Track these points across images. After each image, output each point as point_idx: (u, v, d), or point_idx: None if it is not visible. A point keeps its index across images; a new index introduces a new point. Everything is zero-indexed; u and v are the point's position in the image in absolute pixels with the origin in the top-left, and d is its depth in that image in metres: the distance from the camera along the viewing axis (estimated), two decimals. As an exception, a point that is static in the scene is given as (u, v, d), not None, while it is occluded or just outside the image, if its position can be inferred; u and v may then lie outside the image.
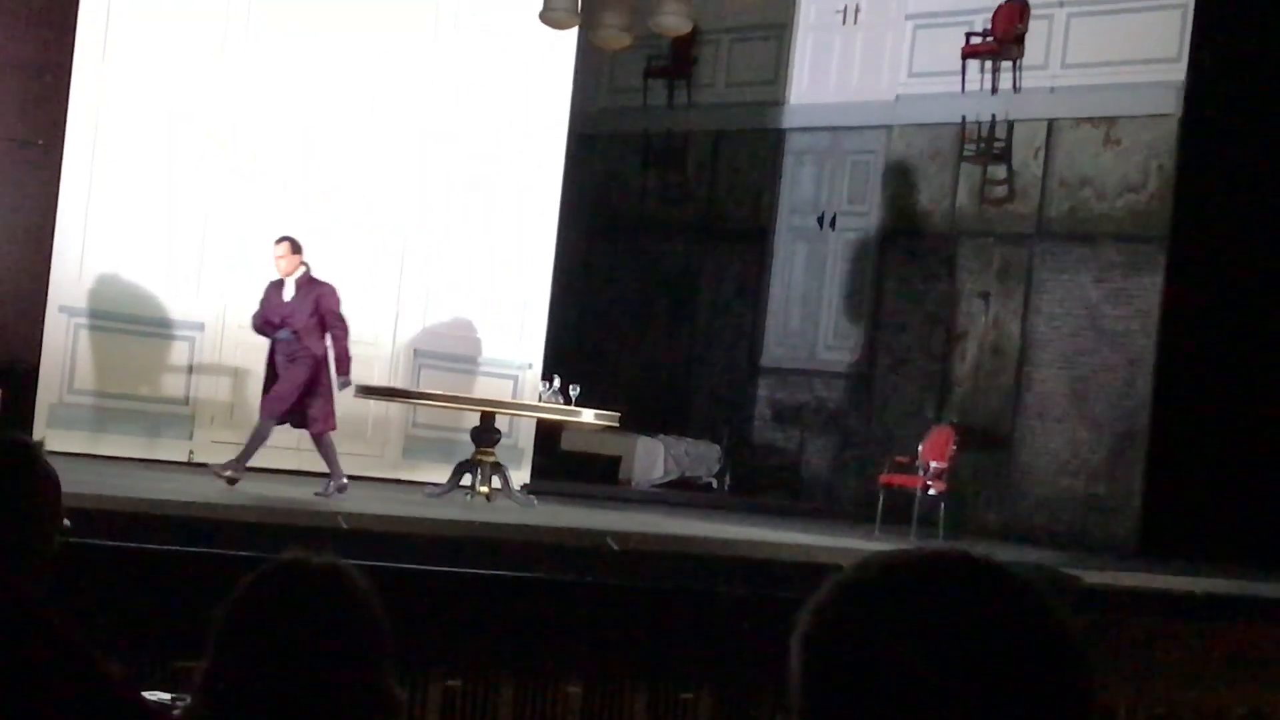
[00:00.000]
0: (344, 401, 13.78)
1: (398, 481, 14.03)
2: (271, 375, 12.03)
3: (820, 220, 18.07)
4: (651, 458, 17.53)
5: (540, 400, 14.04)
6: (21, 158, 13.16)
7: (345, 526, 9.76)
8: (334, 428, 12.24)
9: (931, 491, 14.27)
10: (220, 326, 13.56)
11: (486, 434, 13.01)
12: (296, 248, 11.99)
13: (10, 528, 3.15)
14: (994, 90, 16.56)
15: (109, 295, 13.35)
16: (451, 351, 14.83)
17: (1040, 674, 1.49)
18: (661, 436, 17.72)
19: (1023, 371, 16.26)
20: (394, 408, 14.25)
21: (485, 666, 9.08)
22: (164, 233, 13.48)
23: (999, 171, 16.66)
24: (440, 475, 13.38)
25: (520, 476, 14.41)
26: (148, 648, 7.77)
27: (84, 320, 13.29)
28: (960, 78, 16.69)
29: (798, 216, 18.31)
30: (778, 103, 18.54)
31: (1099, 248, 15.86)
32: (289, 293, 11.93)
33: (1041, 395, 16.12)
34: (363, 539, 9.29)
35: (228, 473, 11.54)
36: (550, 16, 13.69)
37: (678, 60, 18.97)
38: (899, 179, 17.46)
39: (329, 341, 11.93)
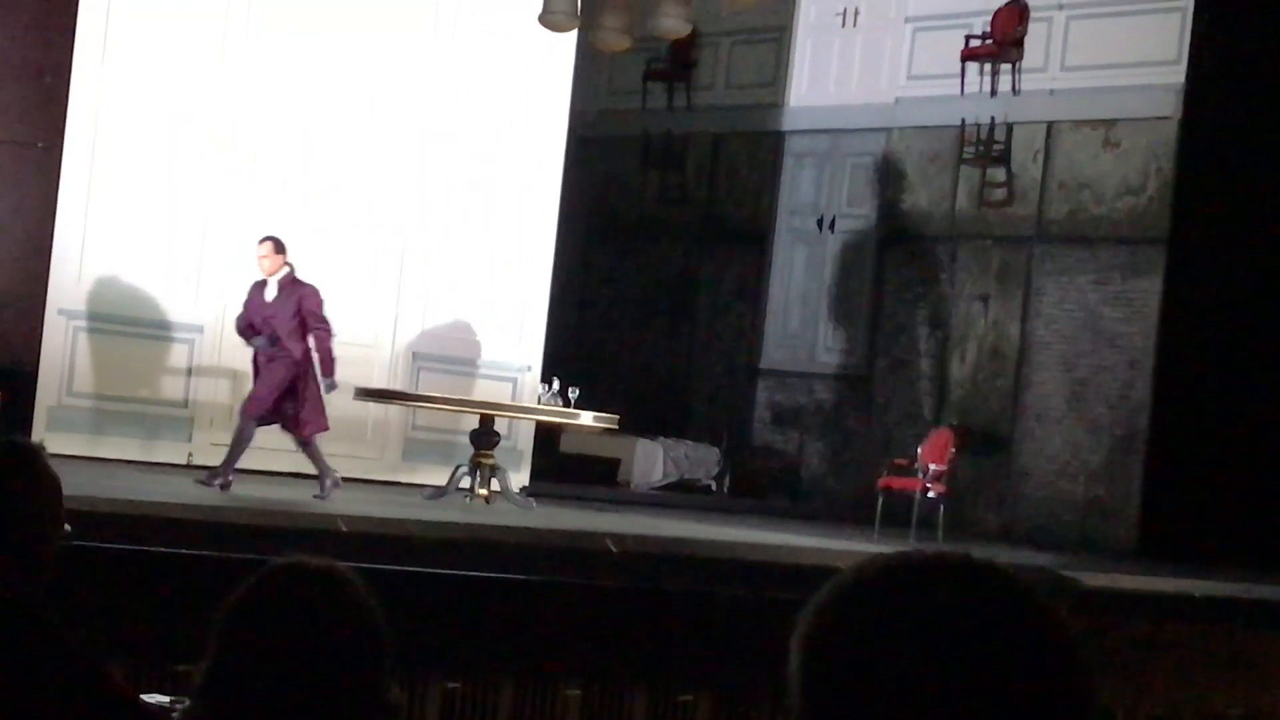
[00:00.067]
0: (343, 404, 13.78)
1: (397, 484, 14.03)
2: (256, 376, 12.02)
3: (820, 222, 18.07)
4: (651, 460, 17.53)
5: (539, 402, 14.03)
6: (21, 160, 13.16)
7: (344, 529, 9.76)
8: (325, 429, 12.20)
9: (931, 494, 14.27)
10: (219, 329, 13.55)
11: (485, 436, 13.01)
12: (280, 247, 11.94)
13: (12, 531, 3.15)
14: (993, 93, 16.56)
15: (108, 298, 13.35)
16: (450, 354, 14.83)
17: (1040, 676, 1.49)
18: (661, 439, 17.72)
19: (1022, 374, 16.26)
20: (393, 410, 14.25)
21: (485, 669, 9.09)
22: (163, 235, 13.48)
23: (998, 174, 16.67)
24: (439, 478, 13.37)
25: (519, 479, 14.41)
26: (147, 650, 7.77)
27: (83, 323, 13.29)
28: (959, 80, 16.69)
29: (797, 219, 18.31)
30: (777, 105, 18.54)
31: (1098, 250, 15.86)
32: (271, 293, 11.88)
33: (1041, 397, 16.12)
34: (362, 541, 9.29)
35: (217, 481, 11.51)
36: (549, 19, 13.69)
37: (677, 63, 18.97)
38: (898, 181, 17.47)
39: (312, 343, 11.85)
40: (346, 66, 14.14)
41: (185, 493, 11.07)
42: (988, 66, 16.59)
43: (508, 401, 14.55)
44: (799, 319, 18.21)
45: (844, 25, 17.98)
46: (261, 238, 12.09)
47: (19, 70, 13.11)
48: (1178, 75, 15.40)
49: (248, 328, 11.96)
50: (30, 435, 11.50)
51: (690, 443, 18.01)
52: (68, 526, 3.28)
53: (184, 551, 8.63)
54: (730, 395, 18.63)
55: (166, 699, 3.77)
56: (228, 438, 12.33)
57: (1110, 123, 15.86)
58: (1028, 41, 16.37)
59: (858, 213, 17.79)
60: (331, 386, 11.98)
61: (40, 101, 13.19)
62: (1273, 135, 15.14)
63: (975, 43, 16.58)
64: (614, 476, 17.41)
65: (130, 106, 13.35)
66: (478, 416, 13.19)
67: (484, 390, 14.66)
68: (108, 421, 13.37)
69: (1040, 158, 16.34)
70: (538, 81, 15.04)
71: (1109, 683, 9.50)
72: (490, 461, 12.95)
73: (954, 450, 14.72)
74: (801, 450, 17.94)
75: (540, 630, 9.24)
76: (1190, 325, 15.19)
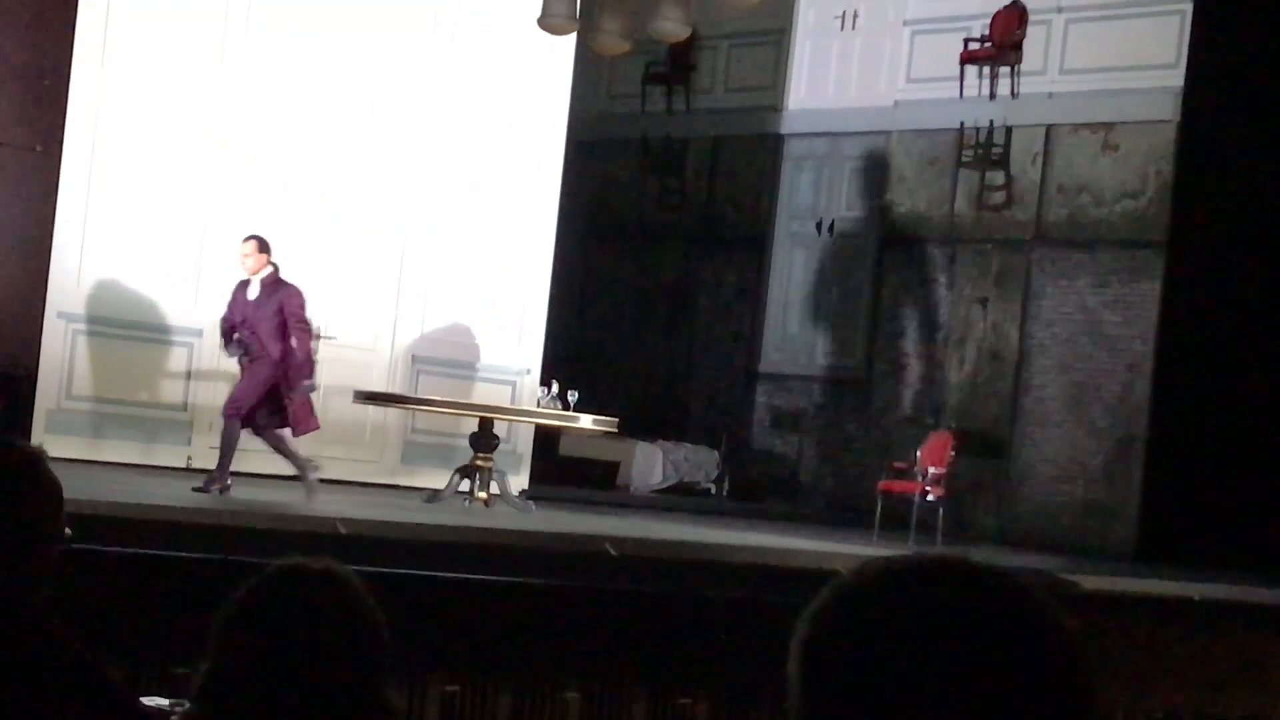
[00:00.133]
0: (342, 407, 13.78)
1: (396, 487, 14.03)
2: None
3: (819, 226, 18.08)
4: (650, 463, 17.53)
5: (538, 406, 14.03)
6: (20, 162, 13.15)
7: (343, 531, 9.76)
8: (316, 428, 12.17)
9: (930, 497, 14.27)
10: (218, 332, 13.53)
11: (485, 439, 13.01)
12: (264, 246, 11.89)
13: (12, 535, 3.15)
14: (992, 96, 16.57)
15: (107, 301, 13.34)
16: (450, 357, 14.83)
17: (1040, 679, 1.49)
18: (660, 442, 17.72)
19: (1021, 377, 16.27)
20: (392, 413, 14.25)
21: (484, 671, 9.09)
22: (163, 238, 13.47)
23: (997, 177, 16.67)
24: (438, 481, 13.37)
25: (519, 482, 14.40)
26: (146, 653, 7.77)
27: (82, 326, 13.28)
28: (958, 83, 16.70)
29: (796, 222, 18.32)
30: (776, 108, 18.54)
31: (1097, 253, 15.86)
32: (254, 292, 11.83)
33: (1040, 401, 16.13)
34: (361, 544, 9.29)
35: (214, 487, 11.48)
36: (549, 22, 13.69)
37: (676, 66, 18.98)
38: (897, 185, 17.47)
39: (294, 343, 11.77)
40: (346, 68, 14.14)
41: (184, 496, 11.07)
42: (987, 69, 16.60)
43: (507, 404, 14.55)
44: (798, 322, 18.22)
45: (843, 28, 17.98)
46: (245, 236, 12.06)
47: (18, 72, 13.10)
48: (1176, 78, 15.41)
49: (230, 329, 11.90)
50: (29, 438, 11.50)
51: (689, 446, 18.01)
52: (68, 530, 3.29)
53: (183, 554, 8.63)
54: (729, 398, 18.63)
55: (166, 701, 3.78)
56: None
57: (1109, 126, 15.87)
58: (1027, 44, 16.38)
59: (856, 216, 17.79)
60: (310, 388, 11.87)
61: (39, 104, 13.18)
62: (1271, 138, 15.15)
63: (974, 46, 16.58)
64: (613, 479, 17.41)
65: (129, 108, 13.34)
66: (477, 419, 13.19)
67: (483, 393, 14.66)
68: (107, 425, 13.36)
69: (1039, 161, 16.34)
70: (537, 84, 15.05)
71: (1108, 685, 9.50)
72: (489, 464, 12.94)
73: (953, 453, 14.72)
74: (800, 453, 17.94)
75: (540, 633, 9.24)
76: (1189, 328, 15.19)
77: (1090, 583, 11.37)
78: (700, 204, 19.13)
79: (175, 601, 7.75)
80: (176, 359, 13.63)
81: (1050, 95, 16.28)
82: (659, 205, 19.41)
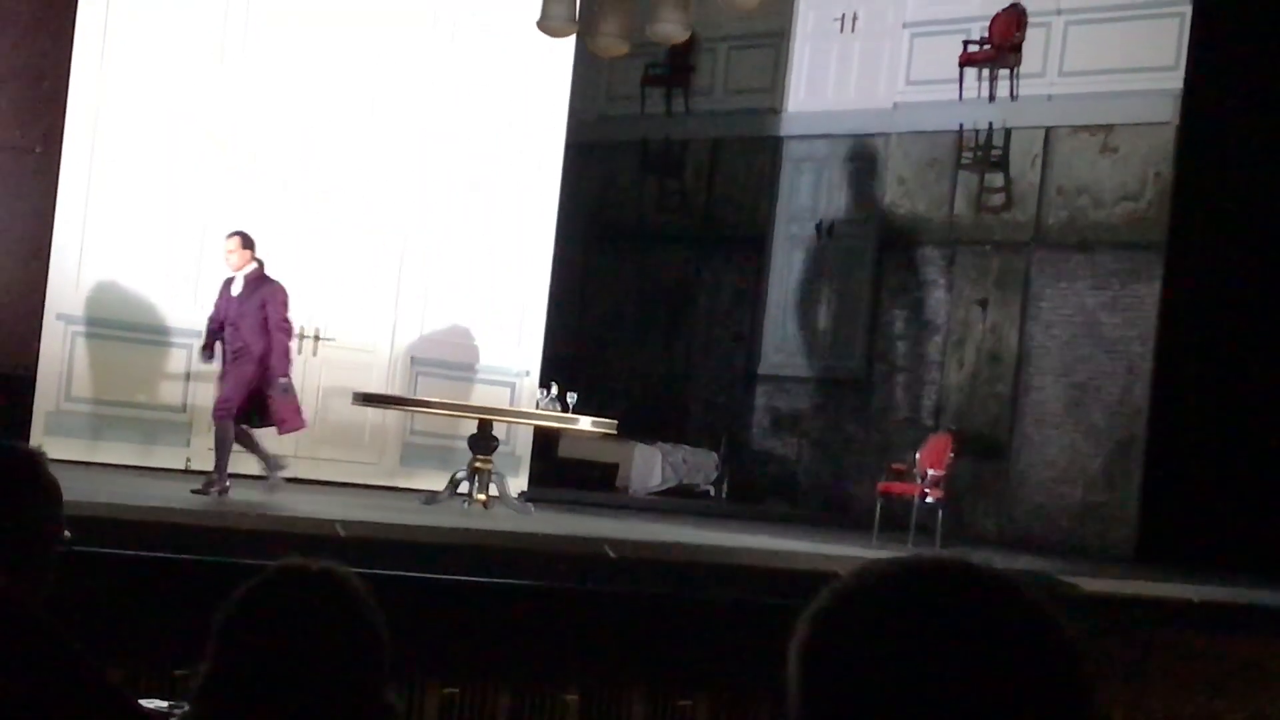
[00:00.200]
0: (341, 409, 13.79)
1: (395, 489, 14.02)
2: (224, 376, 11.87)
3: (818, 228, 18.08)
4: (649, 465, 17.53)
5: (538, 407, 14.04)
6: (19, 164, 13.15)
7: (342, 533, 9.75)
8: (303, 426, 12.14)
9: (929, 499, 14.26)
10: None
11: (484, 441, 13.00)
12: (247, 242, 11.86)
13: (12, 536, 3.15)
14: (991, 98, 16.57)
15: (106, 303, 13.33)
16: (449, 359, 14.82)
17: (1039, 681, 1.49)
18: (659, 444, 17.72)
19: (1020, 379, 16.27)
20: (391, 415, 14.24)
21: (483, 673, 9.09)
22: (162, 240, 13.46)
23: (996, 179, 16.67)
24: (437, 483, 13.36)
25: (518, 484, 14.40)
26: (146, 655, 7.77)
27: (81, 328, 13.28)
28: (958, 86, 16.70)
29: (795, 224, 18.32)
30: (775, 111, 18.55)
31: (1096, 255, 15.87)
32: (237, 288, 11.80)
33: (1039, 403, 16.13)
34: (360, 546, 9.28)
35: (213, 489, 11.46)
36: (548, 24, 13.69)
37: (676, 68, 18.98)
38: (896, 187, 17.48)
39: (273, 341, 11.69)
40: (346, 70, 14.14)
41: (183, 497, 11.07)
42: (986, 72, 16.60)
43: (506, 406, 14.55)
44: (797, 324, 18.22)
45: (842, 31, 17.99)
46: (229, 232, 12.04)
47: (17, 74, 13.10)
48: (1176, 80, 15.41)
49: (217, 327, 11.85)
50: (28, 440, 11.50)
51: (688, 447, 18.01)
52: (67, 532, 3.28)
53: (182, 556, 8.63)
54: (728, 400, 18.63)
55: (165, 704, 3.78)
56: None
57: (1108, 128, 15.87)
58: (1026, 47, 16.38)
59: (856, 218, 17.80)
60: (285, 387, 11.77)
61: (39, 105, 13.18)
62: (1271, 140, 15.15)
63: (974, 48, 16.59)
64: (612, 481, 17.41)
65: (129, 109, 13.34)
66: (476, 421, 13.19)
67: (482, 395, 14.66)
68: (106, 426, 13.36)
69: (1038, 163, 16.35)
70: (536, 86, 15.05)
71: (1107, 688, 9.50)
72: (488, 466, 12.94)
73: (952, 455, 14.71)
74: (800, 455, 17.94)
75: (539, 635, 9.24)
76: (1188, 330, 15.19)
77: (1089, 584, 11.37)
78: (700, 206, 19.14)
79: (174, 603, 7.75)
80: (175, 361, 13.62)
81: (1049, 97, 16.29)
82: (658, 207, 19.41)
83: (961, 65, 16.64)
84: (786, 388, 18.20)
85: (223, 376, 11.80)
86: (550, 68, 15.00)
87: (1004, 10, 16.47)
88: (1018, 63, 16.41)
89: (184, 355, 13.63)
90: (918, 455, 14.69)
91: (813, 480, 17.77)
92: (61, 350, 13.18)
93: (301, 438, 13.73)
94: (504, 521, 11.97)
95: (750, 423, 18.40)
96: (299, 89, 13.99)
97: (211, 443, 12.00)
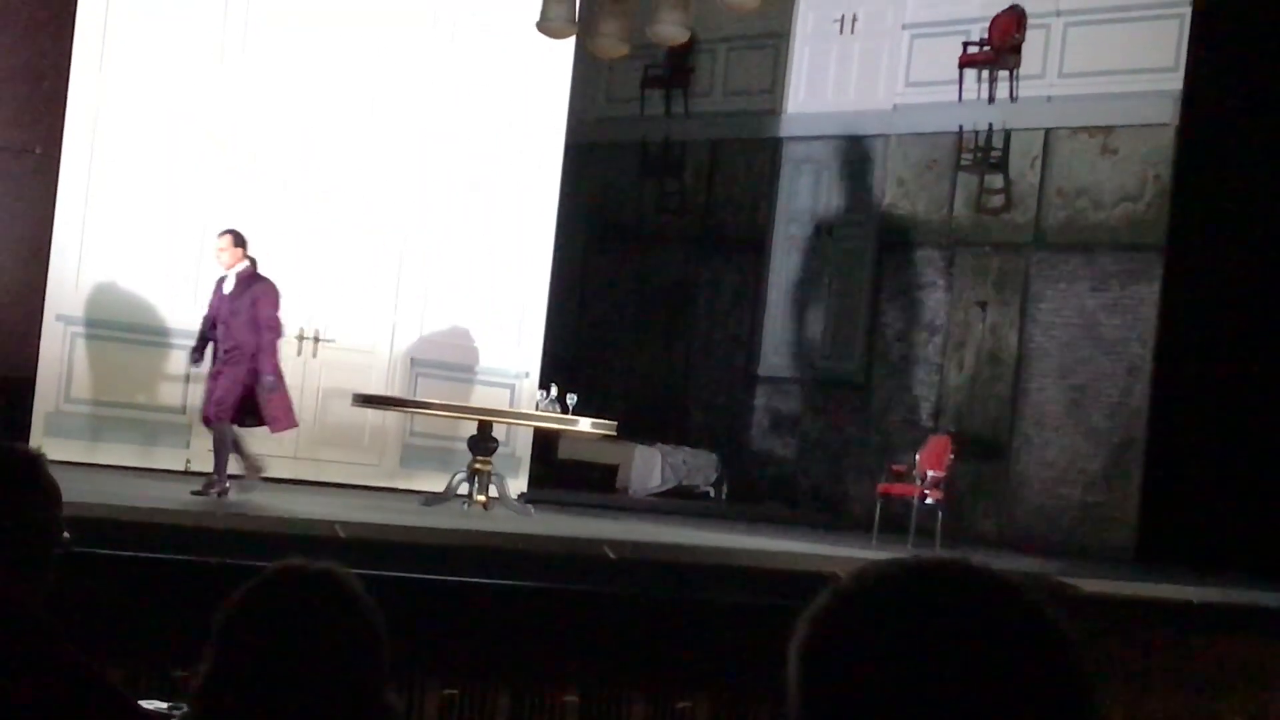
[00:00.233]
0: (341, 410, 13.78)
1: (394, 490, 14.02)
2: (218, 376, 11.76)
3: (817, 229, 18.08)
4: (649, 466, 17.53)
5: (537, 409, 14.03)
6: (19, 165, 13.15)
7: (342, 535, 9.75)
8: (294, 425, 12.11)
9: (929, 500, 14.26)
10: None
11: (483, 443, 13.00)
12: (239, 240, 11.82)
13: (12, 538, 3.15)
14: (991, 99, 16.57)
15: (106, 304, 13.33)
16: (448, 360, 14.83)
17: (1039, 682, 1.49)
18: (659, 445, 17.72)
19: (1020, 380, 16.27)
20: (391, 416, 14.24)
21: (483, 675, 9.08)
22: (162, 241, 13.46)
23: (996, 181, 16.68)
24: (437, 484, 13.36)
25: (517, 485, 14.41)
26: (145, 656, 7.77)
27: (81, 329, 13.28)
28: (957, 87, 16.70)
29: (795, 225, 18.32)
30: (775, 112, 18.55)
31: (1096, 257, 15.87)
32: (229, 285, 11.77)
33: (1038, 404, 16.13)
34: (360, 547, 9.28)
35: (213, 491, 11.44)
36: (547, 25, 13.69)
37: (675, 69, 18.99)
38: (896, 188, 17.48)
39: (261, 339, 11.64)
40: (346, 71, 14.15)
41: (183, 499, 11.06)
42: (985, 73, 16.60)
43: (506, 408, 14.55)
44: (797, 325, 18.22)
45: (842, 32, 17.99)
46: (221, 230, 12.02)
47: (17, 75, 13.10)
48: (1175, 82, 15.41)
49: (210, 327, 11.81)
50: (28, 441, 11.49)
51: (688, 449, 18.01)
52: (66, 533, 3.28)
53: (182, 558, 8.63)
54: (728, 402, 18.63)
55: (165, 705, 3.78)
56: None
57: (1108, 129, 15.87)
58: (1026, 48, 16.38)
59: (855, 219, 17.79)
60: (272, 386, 11.69)
61: (38, 106, 13.18)
62: (1270, 141, 15.14)
63: (973, 49, 16.58)
64: (612, 483, 17.41)
65: (129, 110, 13.34)
66: (476, 423, 13.19)
67: (482, 396, 14.66)
68: (106, 427, 13.36)
69: (1038, 164, 16.35)
70: (536, 87, 15.05)
71: (1107, 689, 9.50)
72: (488, 468, 12.94)
73: (952, 457, 14.71)
74: (799, 457, 17.94)
75: (538, 636, 9.24)
76: (1188, 332, 15.19)
77: (1089, 586, 11.36)
78: (699, 207, 19.14)
79: (174, 604, 7.75)
80: (175, 362, 13.60)
81: (1049, 99, 16.29)
82: (658, 208, 19.42)
83: (961, 66, 16.64)
84: (786, 389, 18.20)
85: (215, 375, 11.72)
86: (550, 69, 15.01)
87: (1004, 12, 16.47)
88: (1017, 64, 16.40)
89: (184, 356, 13.63)
90: (917, 456, 14.69)
91: (812, 481, 17.77)
92: (61, 351, 13.18)
93: (301, 439, 13.73)
94: (504, 523, 11.97)
95: (750, 424, 18.40)
96: (299, 89, 13.99)
97: (210, 444, 11.98)
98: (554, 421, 13.80)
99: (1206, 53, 15.24)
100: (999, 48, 16.42)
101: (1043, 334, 16.16)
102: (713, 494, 17.82)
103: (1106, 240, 15.79)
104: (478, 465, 12.91)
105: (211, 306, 11.85)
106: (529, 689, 9.24)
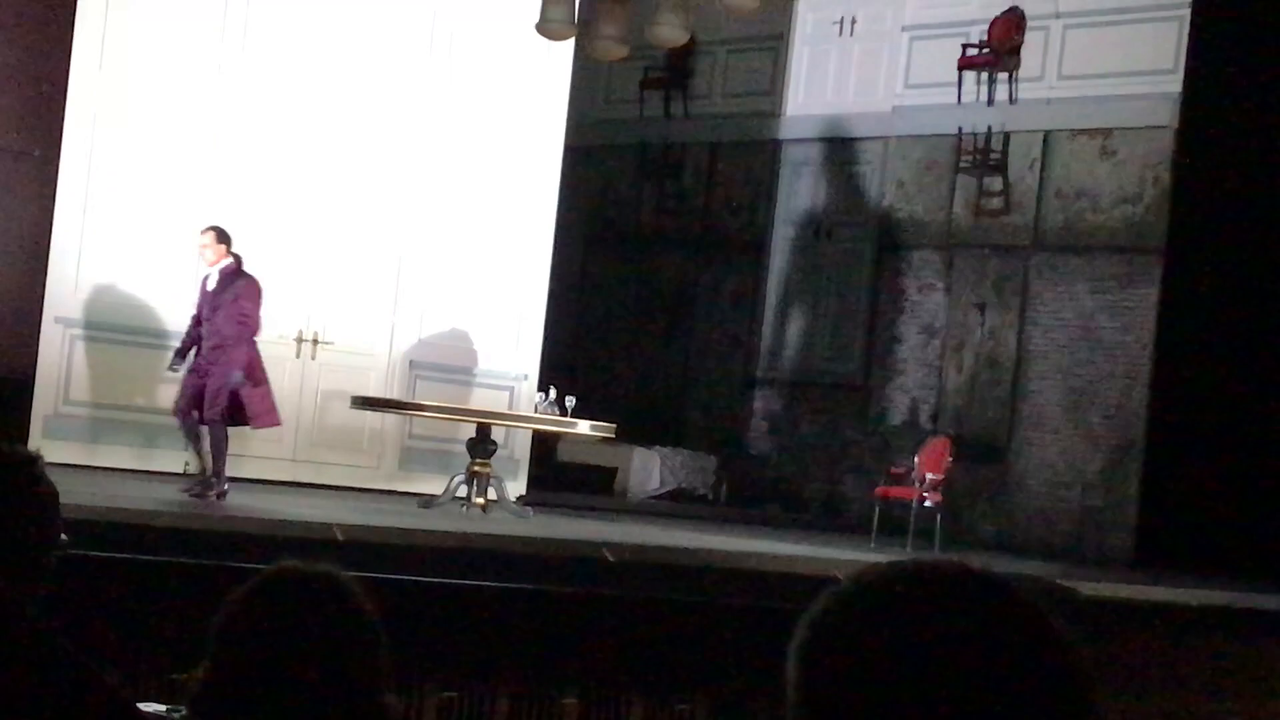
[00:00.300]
0: (340, 412, 13.78)
1: (393, 493, 14.01)
2: (205, 376, 11.69)
3: (816, 231, 18.08)
4: (647, 469, 17.53)
5: (536, 412, 14.03)
6: (18, 168, 13.15)
7: (340, 537, 9.75)
8: (278, 423, 12.08)
9: (928, 503, 14.27)
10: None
11: (482, 445, 13.00)
12: (223, 237, 11.80)
13: (10, 540, 3.15)
14: (990, 102, 16.57)
15: (105, 306, 13.33)
16: (447, 363, 14.82)
17: (1038, 685, 1.49)
18: (657, 448, 17.72)
19: (1019, 383, 16.27)
20: (390, 419, 14.24)
21: (481, 677, 9.08)
22: (160, 244, 13.46)
23: (995, 183, 16.68)
24: (436, 486, 13.36)
25: (516, 488, 14.40)
26: (144, 659, 7.76)
27: (79, 331, 13.28)
28: (956, 89, 16.70)
29: (794, 228, 18.32)
30: (774, 114, 18.55)
31: (1095, 259, 15.87)
32: (212, 282, 11.74)
33: (1037, 406, 16.12)
34: (358, 550, 9.28)
35: (211, 493, 11.43)
36: (547, 27, 13.69)
37: (674, 71, 18.99)
38: (895, 190, 17.48)
39: (233, 332, 11.61)
40: (344, 74, 14.15)
41: (182, 501, 11.06)
42: (985, 75, 16.60)
43: (505, 410, 14.55)
44: (796, 327, 18.22)
45: (841, 34, 17.99)
46: (204, 227, 12.00)
47: (16, 79, 13.10)
48: (1174, 84, 15.41)
49: (195, 325, 11.79)
50: (27, 444, 11.48)
51: (687, 452, 18.00)
52: (64, 535, 3.28)
53: (180, 560, 8.62)
54: (727, 404, 18.63)
55: (163, 708, 3.77)
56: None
57: (1107, 131, 15.87)
58: (1025, 50, 16.38)
59: (854, 221, 17.79)
60: (238, 381, 11.62)
61: (37, 109, 13.18)
62: (1269, 144, 15.15)
63: (972, 51, 16.59)
64: (611, 485, 17.41)
65: (128, 113, 13.34)
66: (475, 425, 13.19)
67: (481, 399, 14.66)
68: (104, 430, 13.35)
69: (1037, 166, 16.35)
70: (535, 89, 15.05)
71: (1106, 691, 9.50)
72: (487, 470, 12.94)
73: (950, 459, 14.72)
74: (798, 459, 17.93)
75: (537, 639, 9.24)
76: (1187, 334, 15.19)
77: (1088, 589, 11.37)
78: (698, 209, 19.14)
79: (172, 606, 7.75)
80: (174, 364, 13.60)
81: (1048, 101, 16.29)
82: (657, 211, 19.42)
83: (960, 69, 16.64)
84: (785, 391, 18.20)
85: (204, 374, 11.65)
86: (549, 71, 15.01)
87: (1003, 13, 16.47)
88: (1016, 66, 16.41)
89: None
90: (916, 459, 14.69)
91: (811, 484, 17.77)
92: (60, 354, 13.18)
93: (300, 441, 13.74)
94: (503, 525, 11.97)
95: (749, 426, 18.40)
96: (298, 92, 13.99)
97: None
98: (553, 424, 13.80)
99: (1205, 55, 15.24)
100: (998, 50, 16.42)
101: (1042, 336, 16.16)
102: (711, 496, 17.82)
103: (1105, 242, 15.79)
104: (476, 468, 12.90)
105: (197, 305, 11.83)
106: (528, 691, 9.24)
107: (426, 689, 8.88)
